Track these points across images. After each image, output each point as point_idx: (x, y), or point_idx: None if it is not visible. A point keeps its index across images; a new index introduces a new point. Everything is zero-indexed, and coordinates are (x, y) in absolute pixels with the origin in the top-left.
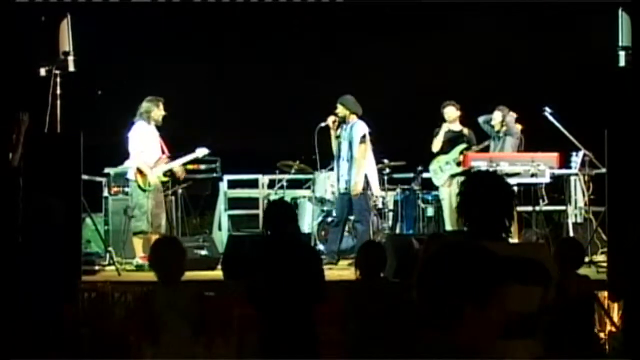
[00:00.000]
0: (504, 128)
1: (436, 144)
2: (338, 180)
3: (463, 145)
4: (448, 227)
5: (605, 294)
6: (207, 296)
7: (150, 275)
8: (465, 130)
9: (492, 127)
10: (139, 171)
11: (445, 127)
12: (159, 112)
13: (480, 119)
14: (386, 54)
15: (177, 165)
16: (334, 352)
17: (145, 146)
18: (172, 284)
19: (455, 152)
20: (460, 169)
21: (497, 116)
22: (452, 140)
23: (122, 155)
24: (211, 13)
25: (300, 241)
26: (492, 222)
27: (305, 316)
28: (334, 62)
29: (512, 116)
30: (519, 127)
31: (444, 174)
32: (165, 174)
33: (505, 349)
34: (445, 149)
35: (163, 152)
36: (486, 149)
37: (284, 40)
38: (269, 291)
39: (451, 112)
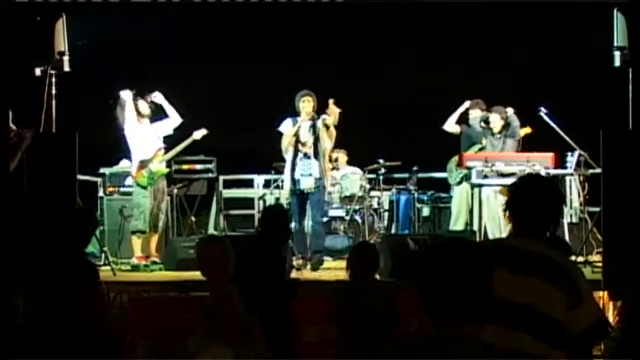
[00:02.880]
0: (507, 130)
1: (448, 123)
2: (298, 178)
3: (479, 146)
4: (452, 226)
5: (601, 294)
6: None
7: (146, 276)
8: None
9: (490, 128)
10: (139, 168)
11: (462, 108)
12: (140, 107)
13: (476, 119)
14: (385, 53)
15: (177, 152)
16: (328, 352)
17: (137, 144)
18: (221, 286)
19: (470, 152)
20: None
21: (495, 118)
22: (471, 140)
23: (117, 155)
24: (211, 13)
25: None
26: (534, 224)
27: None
28: (332, 61)
29: (514, 116)
30: (523, 131)
31: (458, 173)
32: (167, 165)
33: (511, 339)
34: (464, 147)
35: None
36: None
37: (282, 40)
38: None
39: (475, 114)
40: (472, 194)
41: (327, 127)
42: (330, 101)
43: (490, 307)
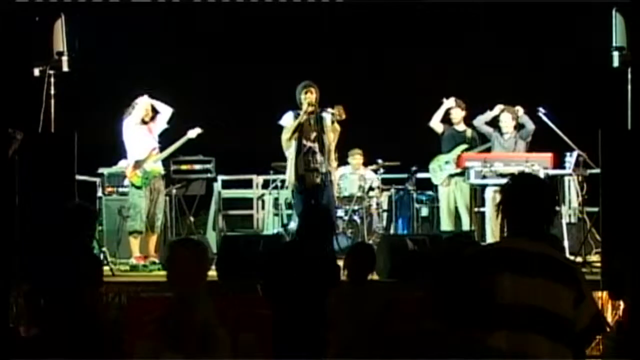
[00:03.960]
0: (519, 131)
1: (433, 121)
2: (302, 174)
3: (464, 146)
4: (444, 227)
5: (600, 294)
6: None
7: (144, 276)
8: (469, 132)
9: (499, 128)
10: (134, 168)
11: (448, 104)
12: (138, 111)
13: (480, 120)
14: (384, 53)
15: (171, 151)
16: (327, 353)
17: (134, 144)
18: (187, 291)
19: (455, 152)
20: (459, 170)
21: (506, 118)
22: (454, 140)
23: (116, 155)
24: (210, 13)
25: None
26: (529, 223)
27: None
28: (331, 62)
29: (526, 117)
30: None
31: (443, 173)
32: (163, 164)
33: (525, 342)
34: (447, 148)
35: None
36: (487, 150)
37: (282, 40)
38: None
39: (456, 114)
40: (471, 194)
41: (332, 122)
42: (341, 109)
43: (501, 312)
